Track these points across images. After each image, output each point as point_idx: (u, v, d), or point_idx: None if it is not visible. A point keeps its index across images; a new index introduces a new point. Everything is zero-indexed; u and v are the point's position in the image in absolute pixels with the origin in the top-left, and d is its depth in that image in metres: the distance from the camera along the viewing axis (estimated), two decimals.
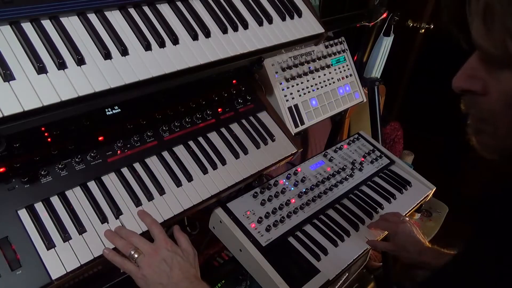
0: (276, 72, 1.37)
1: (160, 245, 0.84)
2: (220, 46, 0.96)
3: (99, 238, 0.86)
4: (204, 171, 1.05)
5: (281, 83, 1.37)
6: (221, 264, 1.44)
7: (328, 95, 1.52)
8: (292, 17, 1.11)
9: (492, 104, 0.53)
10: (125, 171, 0.96)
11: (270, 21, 1.07)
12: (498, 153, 0.59)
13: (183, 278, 0.82)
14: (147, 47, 0.87)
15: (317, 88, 1.49)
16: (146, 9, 0.93)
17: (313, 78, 1.48)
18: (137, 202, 0.93)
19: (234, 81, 1.24)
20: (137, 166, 0.98)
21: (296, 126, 1.38)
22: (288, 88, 1.39)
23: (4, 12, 0.74)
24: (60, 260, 0.80)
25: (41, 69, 0.74)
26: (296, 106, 1.40)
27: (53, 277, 0.78)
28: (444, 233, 2.29)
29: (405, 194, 1.47)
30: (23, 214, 0.81)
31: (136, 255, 0.83)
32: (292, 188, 1.32)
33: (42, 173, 0.86)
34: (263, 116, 1.25)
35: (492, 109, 0.54)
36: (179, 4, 0.97)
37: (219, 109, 1.17)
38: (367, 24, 1.69)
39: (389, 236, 1.26)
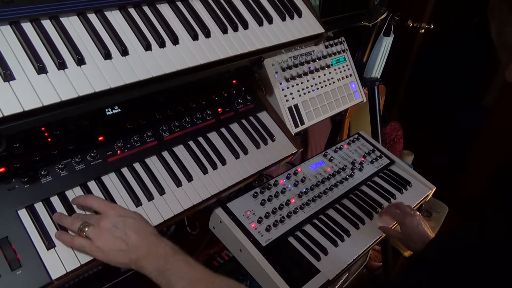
0: (276, 72, 1.37)
1: (107, 213, 0.79)
2: (220, 46, 0.96)
3: None
4: (204, 171, 1.05)
5: (281, 83, 1.37)
6: (221, 264, 1.44)
7: (328, 95, 1.52)
8: (292, 17, 1.11)
9: None
10: (125, 171, 0.96)
11: (270, 21, 1.07)
12: None
13: (142, 239, 0.78)
14: (147, 47, 0.87)
15: (317, 88, 1.49)
16: (146, 9, 0.92)
17: (313, 78, 1.48)
18: (137, 202, 0.93)
19: (234, 81, 1.24)
20: (137, 166, 0.98)
21: (296, 126, 1.38)
22: (288, 88, 1.39)
23: (4, 12, 0.74)
24: (60, 260, 0.80)
25: (41, 69, 0.73)
26: (296, 106, 1.40)
27: (53, 277, 0.78)
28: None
29: (405, 194, 1.47)
30: (23, 214, 0.81)
31: (86, 228, 0.78)
32: (292, 188, 1.33)
33: (42, 173, 0.86)
34: (263, 116, 1.25)
35: None
36: (179, 4, 0.97)
37: (219, 109, 1.17)
38: (367, 24, 1.69)
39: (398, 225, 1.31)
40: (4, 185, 0.82)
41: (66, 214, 0.84)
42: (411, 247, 1.25)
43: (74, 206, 0.87)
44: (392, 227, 1.31)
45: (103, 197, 0.90)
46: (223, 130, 1.15)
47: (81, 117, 0.94)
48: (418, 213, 1.30)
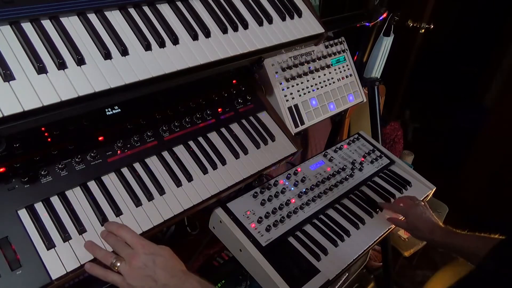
0: (276, 72, 1.37)
1: (138, 250, 0.81)
2: (220, 46, 0.96)
3: (99, 238, 0.86)
4: (204, 171, 1.05)
5: (281, 83, 1.37)
6: (221, 264, 1.44)
7: (328, 95, 1.52)
8: (292, 17, 1.11)
9: None
10: (125, 171, 0.96)
11: (270, 21, 1.07)
12: None
13: (171, 276, 0.79)
14: (147, 47, 0.87)
15: (317, 88, 1.49)
16: (146, 9, 0.92)
17: (313, 78, 1.48)
18: (137, 202, 0.93)
19: (234, 81, 1.24)
20: (137, 166, 0.98)
21: (296, 126, 1.38)
22: (288, 88, 1.39)
23: (4, 12, 0.74)
24: (60, 260, 0.80)
25: (41, 69, 0.73)
26: (296, 106, 1.40)
27: (53, 277, 0.78)
28: None
29: (405, 194, 1.47)
30: (23, 214, 0.82)
31: (118, 264, 0.80)
32: (292, 188, 1.33)
33: (42, 173, 0.86)
34: (263, 116, 1.25)
35: None
36: (179, 4, 0.97)
37: (219, 109, 1.17)
38: (367, 24, 1.69)
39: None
40: (4, 185, 0.82)
41: (99, 243, 0.84)
42: (418, 236, 1.30)
43: (77, 206, 0.87)
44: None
45: (103, 198, 0.90)
46: (223, 130, 1.15)
47: (81, 117, 0.94)
48: (422, 202, 1.34)
